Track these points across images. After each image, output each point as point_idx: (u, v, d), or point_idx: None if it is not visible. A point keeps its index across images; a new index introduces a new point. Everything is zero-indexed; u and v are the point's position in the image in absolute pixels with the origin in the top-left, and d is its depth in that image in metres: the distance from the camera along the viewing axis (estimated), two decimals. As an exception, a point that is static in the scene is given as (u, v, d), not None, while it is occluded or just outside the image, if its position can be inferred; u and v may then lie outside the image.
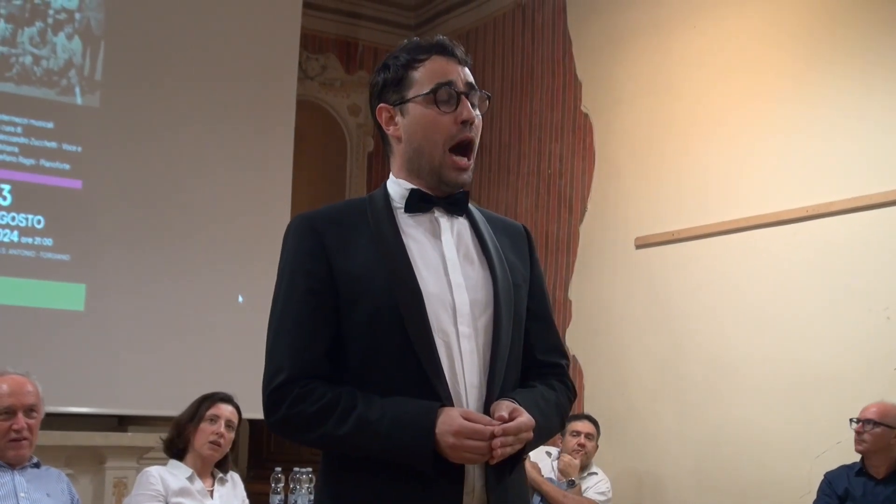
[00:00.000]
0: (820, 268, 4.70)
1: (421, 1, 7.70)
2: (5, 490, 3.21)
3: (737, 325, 5.03)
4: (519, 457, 1.81)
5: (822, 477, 4.27)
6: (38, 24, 5.89)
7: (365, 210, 1.89)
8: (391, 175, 1.95)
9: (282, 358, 1.82)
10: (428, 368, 1.77)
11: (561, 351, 2.04)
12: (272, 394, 1.81)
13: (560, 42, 6.41)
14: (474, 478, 1.79)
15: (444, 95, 1.86)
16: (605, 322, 5.79)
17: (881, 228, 4.50)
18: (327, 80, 7.58)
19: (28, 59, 5.84)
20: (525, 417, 1.76)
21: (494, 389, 1.81)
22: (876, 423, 4.07)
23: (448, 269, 1.85)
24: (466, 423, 1.71)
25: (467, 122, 1.86)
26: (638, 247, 5.65)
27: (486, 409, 1.80)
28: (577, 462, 4.93)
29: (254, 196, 6.39)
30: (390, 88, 1.91)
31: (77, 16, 6.00)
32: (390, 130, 1.91)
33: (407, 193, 1.89)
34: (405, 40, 1.97)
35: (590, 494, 4.92)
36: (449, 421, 1.71)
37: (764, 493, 4.79)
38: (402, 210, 1.89)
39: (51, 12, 5.92)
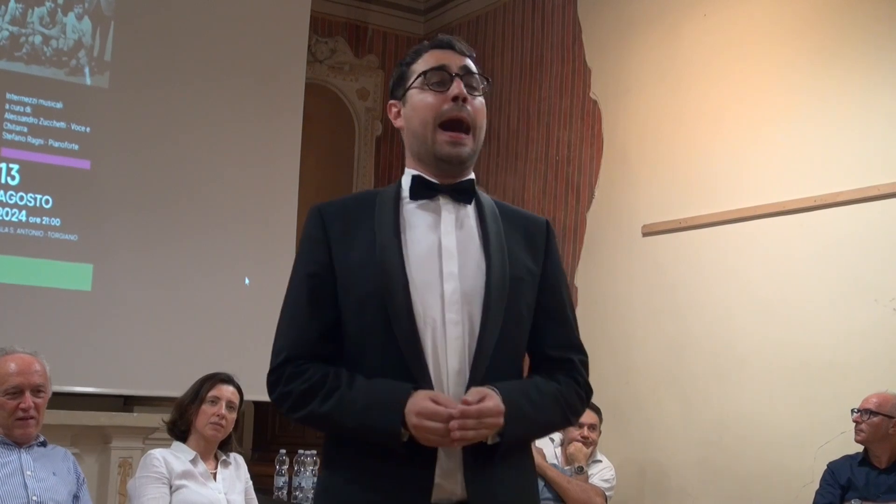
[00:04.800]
0: (827, 258, 4.69)
1: (431, -15, 7.68)
2: (12, 468, 3.23)
3: (743, 315, 5.03)
4: (501, 446, 1.82)
5: (825, 467, 4.28)
6: (48, 3, 5.88)
7: (374, 201, 1.95)
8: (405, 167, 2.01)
9: (282, 339, 1.92)
10: (406, 353, 1.82)
11: (573, 346, 2.02)
12: (271, 373, 1.91)
13: (570, 28, 6.39)
14: (449, 464, 1.82)
15: (436, 77, 1.93)
16: (611, 309, 5.79)
17: (889, 219, 4.48)
18: (336, 63, 7.57)
19: (38, 39, 5.84)
20: (492, 403, 1.77)
21: (477, 376, 1.83)
22: (873, 413, 4.07)
23: (442, 258, 1.89)
24: (428, 404, 1.75)
25: (458, 99, 1.90)
26: (645, 234, 5.65)
27: None
28: (587, 450, 4.94)
29: (261, 178, 6.40)
30: (396, 86, 2.01)
31: (87, -4, 6.00)
32: (397, 122, 2.00)
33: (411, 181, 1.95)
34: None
35: (594, 481, 4.93)
36: (414, 402, 1.76)
37: (767, 483, 4.79)
38: (409, 199, 1.94)
39: (61, -8, 5.92)
